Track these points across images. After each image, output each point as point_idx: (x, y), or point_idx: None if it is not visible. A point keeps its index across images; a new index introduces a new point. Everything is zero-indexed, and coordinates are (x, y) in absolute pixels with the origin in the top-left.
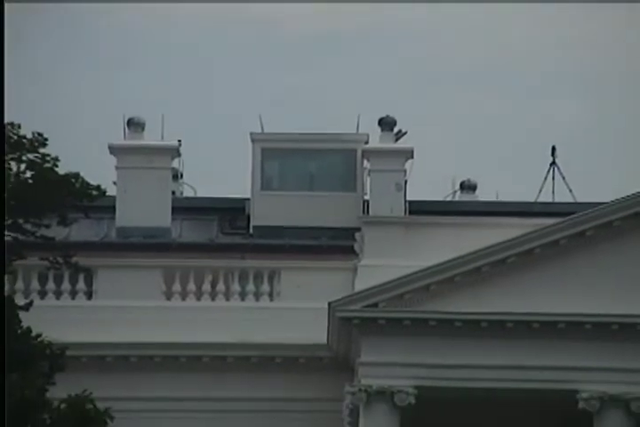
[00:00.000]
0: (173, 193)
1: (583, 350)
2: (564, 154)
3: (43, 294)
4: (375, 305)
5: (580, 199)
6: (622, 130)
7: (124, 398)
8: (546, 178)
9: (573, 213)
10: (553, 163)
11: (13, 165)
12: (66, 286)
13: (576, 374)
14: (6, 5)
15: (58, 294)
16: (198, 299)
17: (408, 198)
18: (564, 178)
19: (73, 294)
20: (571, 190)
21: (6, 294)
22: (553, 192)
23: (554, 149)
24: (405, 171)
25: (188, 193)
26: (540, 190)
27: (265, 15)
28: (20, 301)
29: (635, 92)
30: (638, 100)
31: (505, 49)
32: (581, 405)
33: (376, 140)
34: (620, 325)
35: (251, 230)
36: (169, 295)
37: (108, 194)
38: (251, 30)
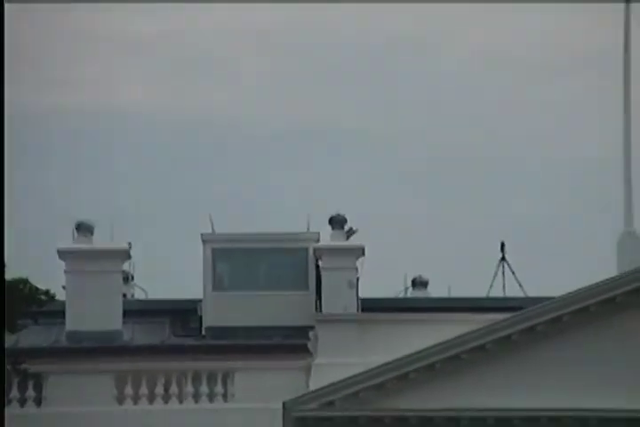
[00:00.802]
0: (124, 296)
1: None
2: (513, 250)
3: None
4: (331, 404)
5: (530, 294)
6: (569, 226)
7: None
8: (496, 273)
9: (524, 308)
10: (503, 258)
11: None
12: (14, 393)
13: None
14: None
15: (7, 402)
16: (151, 402)
17: (361, 296)
18: (513, 273)
19: (22, 401)
20: (521, 285)
21: None
22: (503, 287)
23: (503, 244)
24: (357, 268)
25: (139, 295)
26: (491, 285)
27: (215, 114)
28: None
29: (583, 187)
30: (586, 197)
31: (448, 144)
32: None
33: (327, 238)
34: (572, 419)
35: (203, 331)
36: (121, 400)
37: (57, 298)
38: (193, 129)
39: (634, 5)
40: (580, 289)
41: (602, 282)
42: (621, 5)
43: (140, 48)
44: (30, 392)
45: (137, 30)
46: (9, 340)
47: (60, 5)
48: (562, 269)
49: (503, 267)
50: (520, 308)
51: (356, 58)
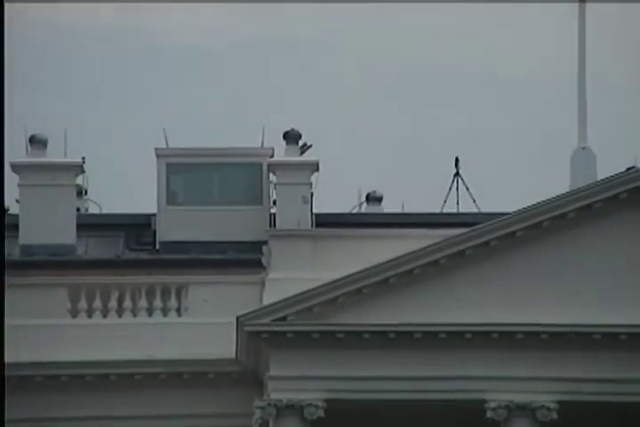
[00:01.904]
0: (78, 210)
1: (490, 359)
2: (467, 165)
3: None
4: (284, 319)
5: (484, 209)
6: (523, 138)
7: (27, 419)
8: (450, 189)
9: (478, 224)
10: (457, 174)
11: None
12: None
13: (483, 383)
14: None
15: None
16: (105, 316)
17: (315, 211)
18: (467, 189)
19: None
20: (475, 201)
21: None
22: (457, 203)
23: (457, 160)
24: (311, 184)
25: (93, 210)
26: (445, 201)
27: (162, 27)
28: None
29: (538, 104)
30: (541, 114)
31: (405, 58)
32: (489, 414)
33: (281, 153)
34: (525, 333)
35: (157, 246)
36: (75, 313)
37: (10, 212)
38: (148, 44)
39: None
40: (533, 205)
41: (554, 198)
42: None
43: None
44: None
45: None
46: None
47: None
48: (516, 184)
49: (457, 182)
50: (474, 223)
51: None
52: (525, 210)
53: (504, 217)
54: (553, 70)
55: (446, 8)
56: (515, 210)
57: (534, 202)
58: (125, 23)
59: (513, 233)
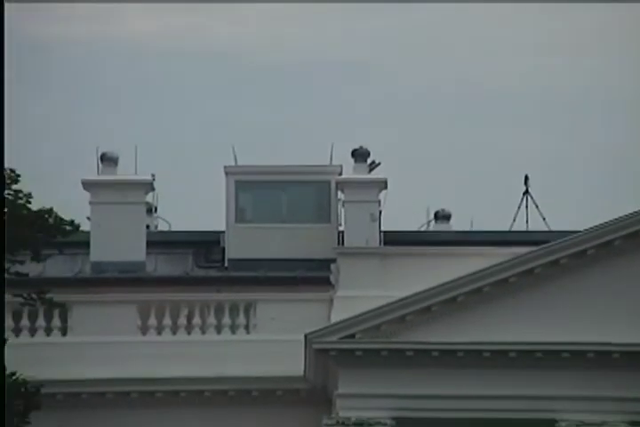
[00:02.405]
0: (148, 227)
1: (560, 378)
2: (536, 183)
3: (17, 331)
4: (352, 336)
5: (553, 228)
6: (594, 158)
7: None
8: (519, 207)
9: (547, 242)
10: (526, 192)
11: None
12: (40, 322)
13: (554, 403)
14: None
15: (32, 331)
16: (174, 333)
17: (383, 229)
18: (537, 206)
19: (48, 330)
20: (544, 219)
21: None
22: (527, 221)
23: (527, 177)
24: (379, 201)
25: (162, 227)
26: (514, 219)
27: (231, 46)
28: None
29: (605, 119)
30: (609, 129)
31: (475, 78)
32: None
33: (350, 171)
34: (596, 353)
35: (226, 263)
36: (144, 330)
37: (82, 229)
38: (218, 62)
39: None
40: (604, 223)
41: (625, 216)
42: None
43: None
44: (56, 322)
45: None
46: (35, 269)
47: None
48: (586, 203)
49: (527, 200)
50: (543, 242)
51: None
52: (596, 228)
53: (574, 235)
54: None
55: (515, 21)
56: (584, 229)
57: (605, 220)
58: (192, 35)
59: (584, 251)
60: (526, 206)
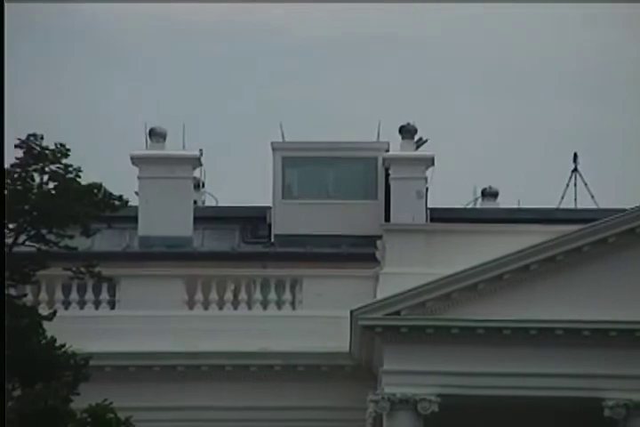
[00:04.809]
0: (195, 202)
1: (607, 357)
2: (586, 161)
3: (66, 304)
4: (397, 313)
5: (602, 206)
6: None
7: (147, 407)
8: (568, 185)
9: (596, 220)
10: (575, 169)
11: (36, 176)
12: (89, 296)
13: (601, 381)
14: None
15: (81, 304)
16: (220, 308)
17: (429, 206)
18: (586, 184)
19: (96, 304)
20: (593, 197)
21: (30, 304)
22: (575, 199)
23: (575, 155)
24: (426, 178)
25: (209, 202)
26: (562, 197)
27: (276, 21)
28: (43, 311)
29: None
30: None
31: (519, 54)
32: (607, 413)
33: (397, 147)
34: None
35: (272, 239)
36: (191, 305)
37: (130, 204)
38: (263, 37)
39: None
40: None
41: None
42: None
43: None
44: (104, 295)
45: None
46: (84, 243)
47: None
48: (635, 181)
49: (575, 178)
50: (592, 220)
51: None
52: None
53: (622, 213)
54: None
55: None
56: (633, 207)
57: None
58: (241, 10)
59: (632, 230)
60: (575, 184)
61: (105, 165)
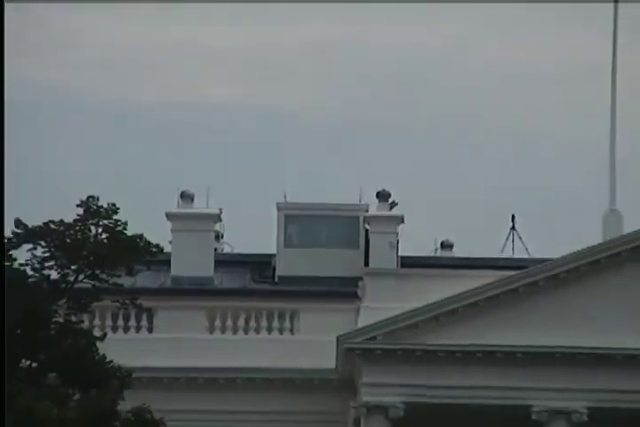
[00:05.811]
0: (215, 250)
1: (535, 373)
2: (519, 218)
3: (114, 329)
4: (374, 338)
5: (534, 255)
6: (571, 197)
7: (176, 410)
8: (507, 238)
9: (528, 267)
10: (512, 227)
11: (93, 228)
12: (132, 322)
13: (529, 393)
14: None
15: (126, 329)
16: (235, 333)
17: (400, 254)
18: (520, 239)
19: (137, 328)
20: (527, 249)
21: (86, 328)
22: (513, 249)
23: (513, 216)
24: (397, 233)
25: (227, 250)
26: (503, 248)
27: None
28: (97, 334)
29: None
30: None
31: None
32: (534, 416)
33: (374, 208)
34: (562, 354)
35: (276, 279)
36: (211, 330)
37: (164, 251)
38: (269, 120)
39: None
40: (573, 253)
41: (590, 247)
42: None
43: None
44: (144, 322)
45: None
46: (128, 281)
47: None
48: (558, 235)
49: (513, 234)
50: (526, 266)
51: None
52: (567, 256)
53: (550, 262)
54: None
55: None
56: (558, 256)
57: (573, 250)
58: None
59: (557, 275)
60: (512, 239)
61: (145, 220)
